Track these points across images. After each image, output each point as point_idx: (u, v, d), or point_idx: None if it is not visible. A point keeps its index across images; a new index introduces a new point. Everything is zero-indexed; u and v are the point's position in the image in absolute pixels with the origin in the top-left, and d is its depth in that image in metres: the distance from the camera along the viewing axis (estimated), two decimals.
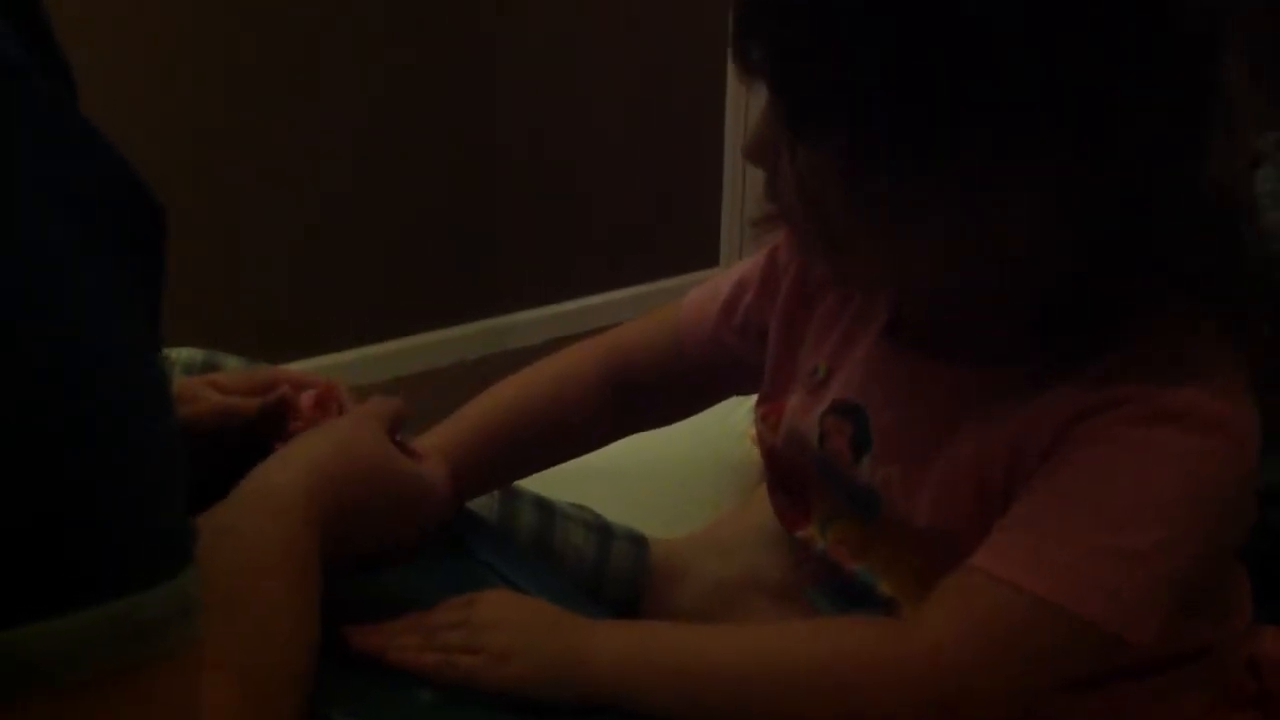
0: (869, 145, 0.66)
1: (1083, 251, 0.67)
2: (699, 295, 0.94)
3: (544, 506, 1.02)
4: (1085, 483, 0.69)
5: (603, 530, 1.03)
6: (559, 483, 1.03)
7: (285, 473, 0.74)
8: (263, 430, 0.88)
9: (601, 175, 2.71)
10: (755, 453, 0.93)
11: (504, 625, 0.74)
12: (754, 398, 0.91)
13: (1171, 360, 0.69)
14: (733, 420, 1.17)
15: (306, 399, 0.89)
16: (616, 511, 1.07)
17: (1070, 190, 0.65)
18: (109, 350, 0.50)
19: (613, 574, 1.02)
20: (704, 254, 2.78)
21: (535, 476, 0.99)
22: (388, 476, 0.79)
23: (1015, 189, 0.65)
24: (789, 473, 0.86)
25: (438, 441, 0.89)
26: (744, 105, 2.55)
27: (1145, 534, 0.68)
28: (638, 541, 1.04)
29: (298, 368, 1.11)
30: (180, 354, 1.01)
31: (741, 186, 2.73)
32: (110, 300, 0.50)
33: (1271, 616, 0.87)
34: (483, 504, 1.00)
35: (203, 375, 0.96)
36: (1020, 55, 0.62)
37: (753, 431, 0.91)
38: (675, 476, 1.20)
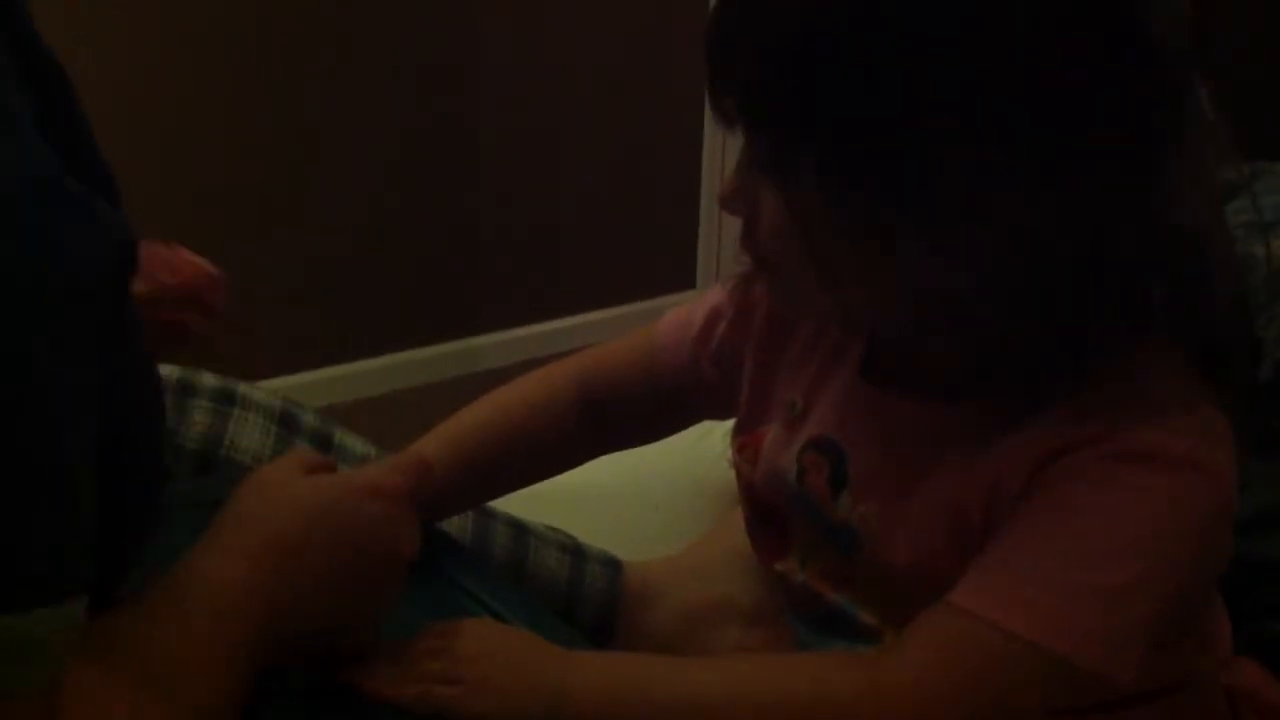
0: (846, 181, 0.67)
1: (1047, 284, 0.68)
2: (674, 321, 0.94)
3: (518, 527, 1.02)
4: (1060, 521, 0.69)
5: (576, 553, 1.03)
6: (534, 503, 1.03)
7: (222, 567, 0.68)
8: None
9: (577, 196, 2.71)
10: (732, 475, 0.93)
11: (485, 656, 0.73)
12: (731, 422, 0.91)
13: (1143, 399, 0.69)
14: (709, 442, 1.16)
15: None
16: (592, 533, 1.06)
17: (1032, 223, 0.66)
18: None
19: (586, 597, 1.01)
20: (680, 276, 2.79)
21: (511, 496, 0.99)
22: (345, 528, 0.73)
23: (979, 221, 0.66)
24: (768, 507, 0.86)
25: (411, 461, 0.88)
26: (722, 128, 2.55)
27: (1119, 572, 0.68)
28: (612, 564, 1.03)
29: (272, 386, 1.10)
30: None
31: (718, 209, 2.73)
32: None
33: (1244, 647, 0.87)
34: (456, 524, 0.99)
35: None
36: (979, 91, 0.63)
37: (730, 454, 0.91)
38: (651, 498, 1.19)
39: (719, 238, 2.74)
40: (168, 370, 1.00)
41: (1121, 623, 0.68)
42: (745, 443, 0.87)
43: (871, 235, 0.68)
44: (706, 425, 1.04)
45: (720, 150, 2.61)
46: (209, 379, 1.02)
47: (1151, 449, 0.68)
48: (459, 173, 2.56)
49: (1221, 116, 0.96)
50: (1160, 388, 0.70)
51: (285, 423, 1.01)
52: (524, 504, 1.02)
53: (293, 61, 2.30)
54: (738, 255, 0.79)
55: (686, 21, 2.47)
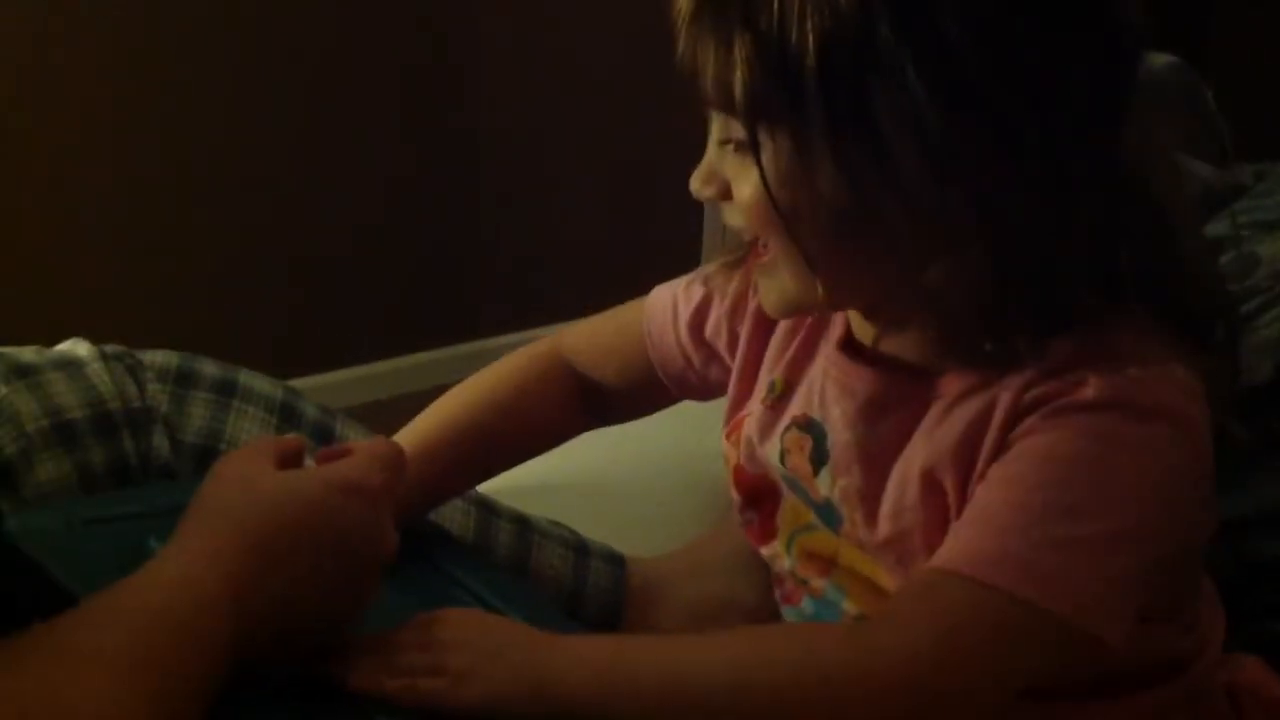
0: (822, 152, 0.68)
1: (1018, 249, 0.69)
2: (661, 303, 0.95)
3: (521, 524, 1.02)
4: (1036, 475, 0.69)
5: (580, 549, 1.03)
6: (536, 497, 1.03)
7: (190, 569, 0.66)
8: None
9: (579, 199, 2.71)
10: None
11: (467, 645, 0.72)
12: None
13: (1111, 355, 0.70)
14: (713, 437, 1.17)
15: None
16: (595, 528, 1.06)
17: (998, 185, 0.67)
18: None
19: (590, 594, 1.01)
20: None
21: (514, 492, 0.99)
22: (312, 519, 0.71)
23: (948, 184, 0.67)
24: (753, 489, 0.86)
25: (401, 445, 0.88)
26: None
27: (1100, 522, 0.68)
28: (615, 561, 1.03)
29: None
30: (154, 358, 0.99)
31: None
32: None
33: (1246, 646, 0.87)
34: (459, 522, 0.99)
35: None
36: (948, 55, 0.66)
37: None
38: (654, 494, 1.19)
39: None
40: (166, 358, 0.99)
41: (1105, 574, 0.68)
42: (732, 428, 0.88)
43: (850, 204, 0.69)
44: (709, 419, 1.04)
45: None
46: (210, 367, 1.00)
47: (1117, 399, 0.69)
48: (460, 175, 2.56)
49: (1221, 116, 0.97)
50: (1128, 346, 0.71)
51: (286, 414, 1.00)
52: (526, 498, 1.02)
53: (293, 63, 2.30)
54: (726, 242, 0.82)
55: None
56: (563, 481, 1.01)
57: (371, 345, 2.53)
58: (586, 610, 1.00)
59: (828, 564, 0.82)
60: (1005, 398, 0.71)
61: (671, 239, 2.79)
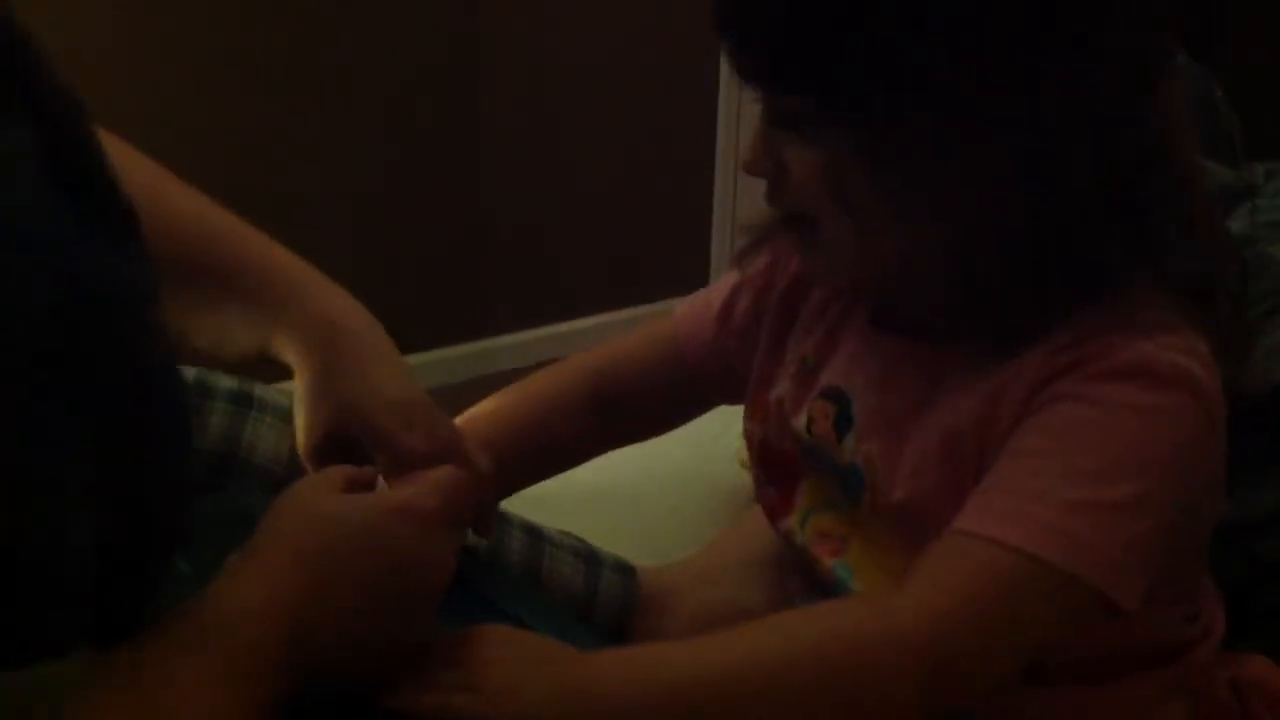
0: (875, 128, 0.70)
1: (1049, 219, 0.71)
2: (692, 307, 0.96)
3: (532, 534, 1.02)
4: (1058, 441, 0.71)
5: (590, 559, 1.03)
6: (548, 506, 1.03)
7: (256, 588, 0.66)
8: None
9: (590, 197, 2.71)
10: (746, 476, 0.93)
11: (501, 662, 0.72)
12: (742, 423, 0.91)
13: (1129, 324, 0.72)
14: (724, 442, 1.17)
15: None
16: (606, 536, 1.06)
17: (1048, 160, 0.70)
18: None
19: (601, 603, 1.01)
20: (693, 277, 2.78)
21: (525, 499, 0.99)
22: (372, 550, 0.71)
23: (994, 157, 0.70)
24: (776, 463, 0.88)
25: None
26: (734, 126, 2.56)
27: (1118, 487, 0.69)
28: (625, 571, 1.03)
29: (288, 389, 1.10)
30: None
31: (731, 209, 2.73)
32: None
33: (1256, 647, 0.87)
34: (470, 532, 0.99)
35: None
36: (989, 32, 0.68)
37: (743, 455, 0.92)
38: (666, 500, 1.20)
39: (731, 238, 2.73)
40: (183, 370, 1.00)
41: (1124, 538, 0.70)
42: (756, 406, 0.89)
43: (904, 178, 0.71)
44: (722, 425, 1.05)
45: (734, 149, 2.61)
46: (225, 380, 1.02)
47: (1139, 367, 0.70)
48: (471, 174, 2.56)
49: (1234, 116, 0.97)
50: (1145, 315, 0.72)
51: None
52: (538, 507, 1.02)
53: (299, 62, 2.31)
54: (743, 228, 0.84)
55: (697, 19, 2.47)
56: (573, 489, 1.01)
57: None
58: (597, 619, 1.00)
59: (839, 544, 0.83)
60: (1029, 366, 0.73)
61: (678, 239, 2.79)
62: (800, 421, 0.84)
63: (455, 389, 2.60)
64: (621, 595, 1.02)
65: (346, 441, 0.84)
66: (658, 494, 1.20)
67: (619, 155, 2.71)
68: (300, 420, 0.86)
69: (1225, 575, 0.86)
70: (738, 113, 2.53)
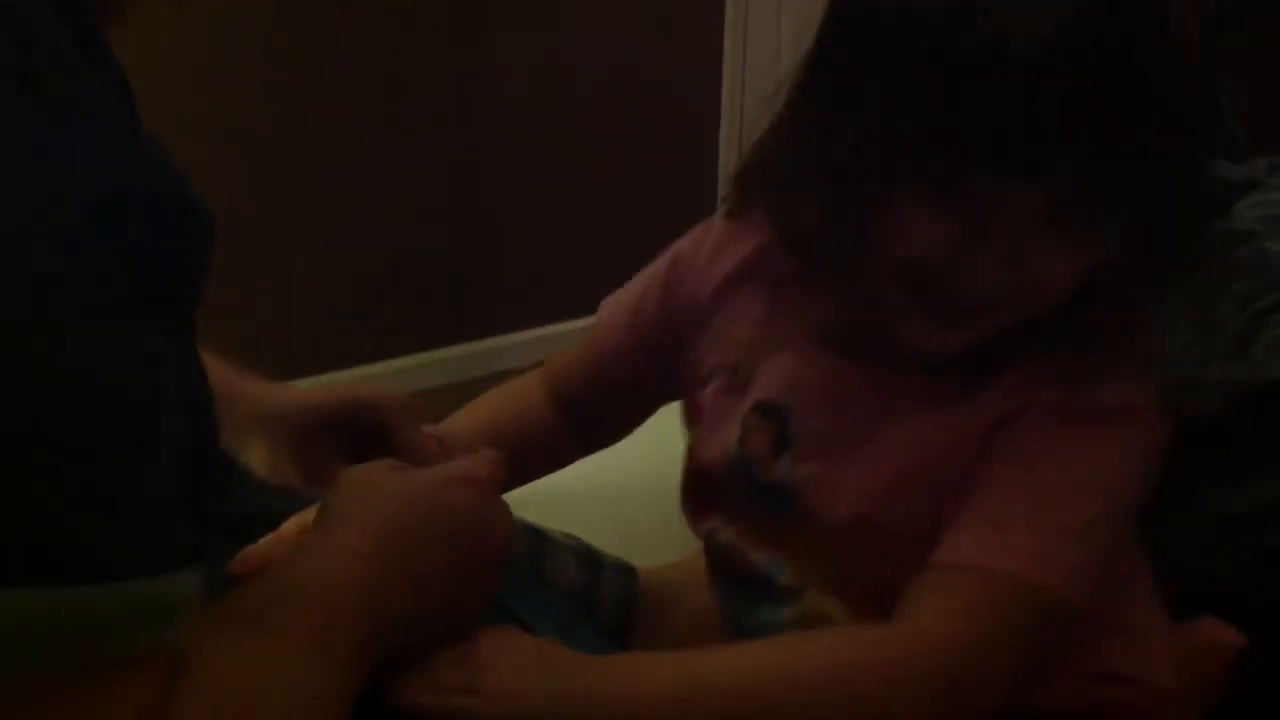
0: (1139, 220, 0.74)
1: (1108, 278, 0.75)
2: (608, 312, 0.97)
3: (535, 534, 1.02)
4: (1029, 472, 0.75)
5: (591, 559, 1.03)
6: (544, 508, 1.03)
7: (335, 568, 0.67)
8: None
9: (592, 198, 2.71)
10: None
11: (503, 665, 0.72)
12: None
13: (1081, 366, 0.76)
14: None
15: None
16: (602, 537, 1.07)
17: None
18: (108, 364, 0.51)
19: (602, 604, 1.02)
20: None
21: (521, 501, 0.99)
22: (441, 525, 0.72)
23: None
24: (703, 468, 0.88)
25: None
26: (737, 127, 2.56)
27: (1084, 509, 0.75)
28: (627, 571, 1.04)
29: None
30: None
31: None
32: (125, 317, 0.52)
33: (1258, 641, 0.88)
34: None
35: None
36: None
37: None
38: (660, 501, 1.20)
39: None
40: None
41: (1089, 556, 0.75)
42: (689, 409, 0.90)
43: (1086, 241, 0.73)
44: None
45: (736, 153, 2.61)
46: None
47: (1092, 406, 0.75)
48: (475, 173, 2.56)
49: (1235, 110, 0.98)
50: (1095, 359, 0.77)
51: None
52: (535, 509, 1.02)
53: (307, 65, 2.31)
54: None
55: (703, 22, 2.47)
56: (564, 490, 1.01)
57: (381, 343, 2.54)
58: (598, 620, 1.00)
59: (767, 540, 0.84)
60: (992, 398, 0.76)
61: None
62: (732, 433, 0.84)
63: (461, 387, 2.60)
64: (623, 594, 1.03)
65: (342, 432, 0.86)
66: (651, 495, 1.20)
67: (623, 155, 2.72)
68: (295, 406, 0.87)
69: (1226, 569, 0.87)
70: (740, 114, 2.53)
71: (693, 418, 0.89)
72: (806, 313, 0.83)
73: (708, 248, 0.91)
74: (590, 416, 0.99)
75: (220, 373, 0.77)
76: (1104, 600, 0.77)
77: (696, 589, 1.02)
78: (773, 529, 0.83)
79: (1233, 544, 0.86)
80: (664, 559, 1.08)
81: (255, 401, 0.87)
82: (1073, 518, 0.74)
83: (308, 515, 0.85)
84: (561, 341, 2.71)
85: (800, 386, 0.82)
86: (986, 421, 0.76)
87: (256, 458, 0.86)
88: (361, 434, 0.87)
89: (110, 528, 0.51)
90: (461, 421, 0.96)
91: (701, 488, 0.89)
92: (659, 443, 1.03)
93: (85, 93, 0.54)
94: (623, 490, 1.21)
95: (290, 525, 0.85)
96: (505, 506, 0.77)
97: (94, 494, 0.51)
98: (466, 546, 0.73)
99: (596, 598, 1.02)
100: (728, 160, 2.67)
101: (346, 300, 2.48)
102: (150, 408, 0.54)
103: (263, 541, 0.84)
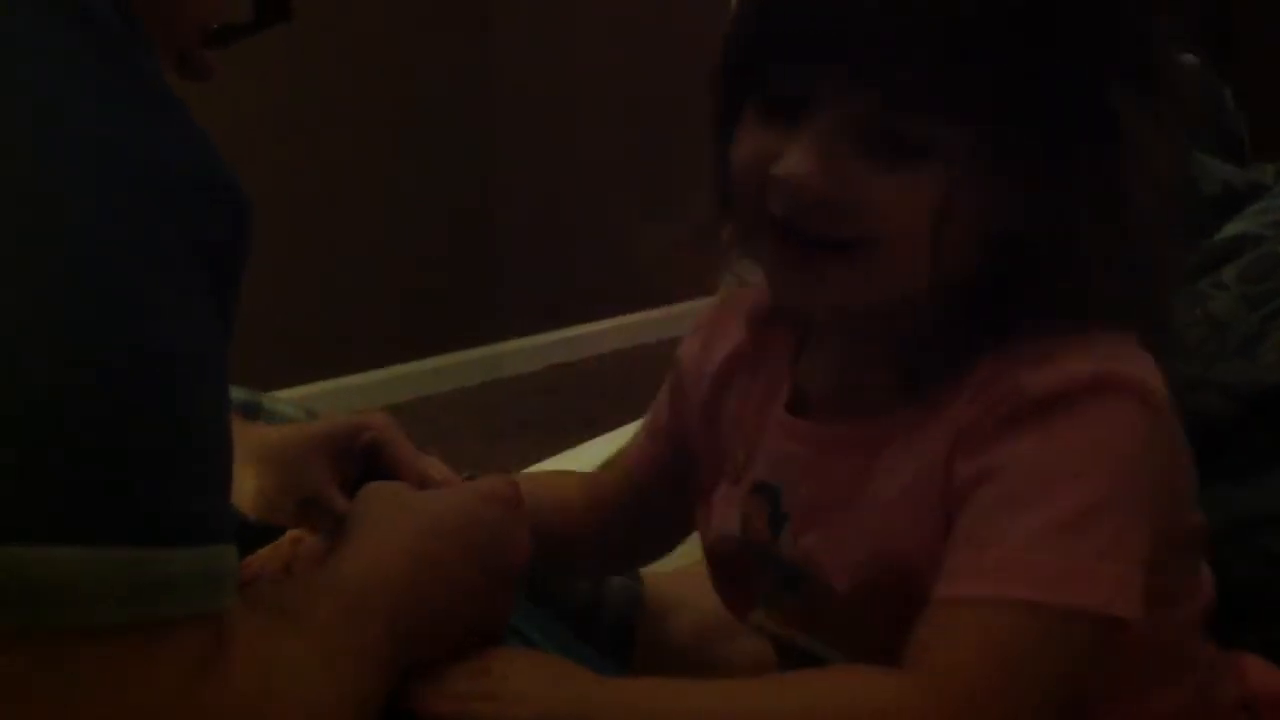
0: (1006, 146, 0.69)
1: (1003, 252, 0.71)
2: (634, 442, 0.95)
3: None
4: (1000, 484, 0.70)
5: None
6: None
7: (364, 574, 0.67)
8: None
9: (595, 204, 2.71)
10: None
11: (520, 674, 0.71)
12: None
13: (1046, 348, 0.71)
14: None
15: None
16: None
17: (1115, 178, 0.70)
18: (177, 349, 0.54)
19: (608, 609, 1.02)
20: (695, 284, 2.79)
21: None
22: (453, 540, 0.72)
23: (1070, 176, 0.70)
24: (727, 563, 0.85)
25: None
26: None
27: (1066, 499, 0.68)
28: (632, 577, 1.04)
29: (291, 395, 1.11)
30: None
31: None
32: (181, 303, 0.55)
33: (1265, 641, 0.87)
34: None
35: None
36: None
37: None
38: None
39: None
40: None
41: (1093, 546, 0.68)
42: (704, 506, 0.87)
43: (1000, 198, 0.70)
44: None
45: None
46: (235, 391, 1.02)
47: (1052, 387, 0.70)
48: (480, 180, 2.56)
49: (1241, 115, 0.97)
50: (1060, 341, 0.71)
51: None
52: None
53: (307, 70, 2.31)
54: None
55: (708, 23, 2.47)
56: None
57: (389, 349, 2.54)
58: (602, 626, 1.00)
59: (807, 623, 0.81)
60: (947, 418, 0.72)
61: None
62: (735, 520, 0.82)
63: (470, 392, 2.61)
64: (627, 601, 1.03)
65: (338, 460, 0.86)
66: None
67: (628, 160, 2.72)
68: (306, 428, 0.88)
69: (1236, 571, 0.86)
70: None
71: (703, 514, 0.87)
72: (787, 385, 0.81)
73: (698, 347, 0.89)
74: (626, 532, 0.96)
75: None
76: (1151, 627, 0.70)
77: (698, 599, 1.02)
78: (800, 610, 0.80)
79: (1243, 546, 0.85)
80: (669, 565, 1.08)
81: (247, 438, 0.87)
82: (1056, 512, 0.68)
83: (302, 532, 0.86)
84: (567, 346, 2.72)
85: (785, 460, 0.80)
86: (949, 437, 0.71)
87: (246, 493, 0.86)
88: (356, 461, 0.87)
89: (193, 494, 0.54)
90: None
91: (731, 580, 0.86)
92: None
93: (154, 77, 0.57)
94: None
95: (286, 540, 0.86)
96: (527, 524, 0.77)
97: (185, 461, 0.53)
98: (496, 558, 0.74)
99: (600, 604, 1.02)
100: None
101: (351, 306, 2.48)
102: (222, 381, 0.57)
103: (260, 553, 0.85)
